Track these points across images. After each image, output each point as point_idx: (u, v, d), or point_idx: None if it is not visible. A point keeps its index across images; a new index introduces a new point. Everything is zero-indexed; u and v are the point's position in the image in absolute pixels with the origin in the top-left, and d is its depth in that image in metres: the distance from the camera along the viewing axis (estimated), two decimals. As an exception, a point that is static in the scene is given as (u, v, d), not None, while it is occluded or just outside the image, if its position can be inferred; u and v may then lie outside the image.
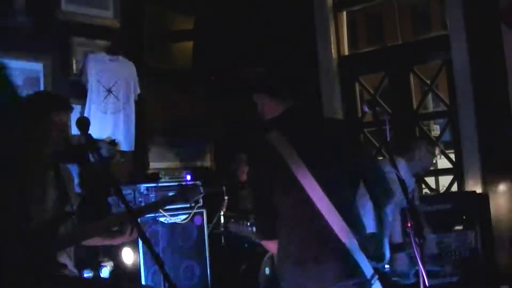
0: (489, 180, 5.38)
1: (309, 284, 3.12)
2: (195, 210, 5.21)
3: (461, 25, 5.54)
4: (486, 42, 5.43)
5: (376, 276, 3.10)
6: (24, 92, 5.09)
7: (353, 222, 3.12)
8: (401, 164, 4.61)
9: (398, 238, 4.48)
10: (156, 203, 4.22)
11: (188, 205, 4.01)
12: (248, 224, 5.29)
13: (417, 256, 2.75)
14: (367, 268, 3.08)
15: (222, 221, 5.49)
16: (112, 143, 5.41)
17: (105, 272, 4.85)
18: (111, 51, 5.62)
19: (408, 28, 10.60)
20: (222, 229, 5.46)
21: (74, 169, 5.16)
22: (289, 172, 3.11)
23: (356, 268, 3.07)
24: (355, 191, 3.23)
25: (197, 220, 5.30)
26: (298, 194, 3.10)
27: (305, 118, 3.30)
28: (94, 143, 3.12)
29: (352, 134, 3.32)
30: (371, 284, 3.07)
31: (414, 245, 2.78)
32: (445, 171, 6.33)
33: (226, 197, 5.47)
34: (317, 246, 3.11)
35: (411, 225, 2.88)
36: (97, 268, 4.83)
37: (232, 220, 5.43)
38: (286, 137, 3.19)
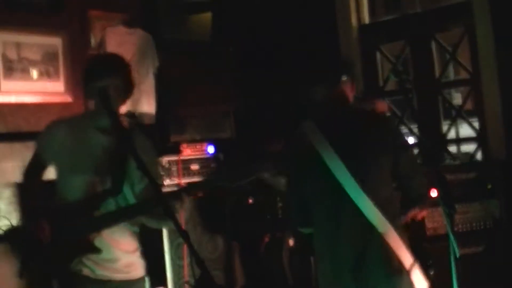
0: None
1: (347, 277, 3.11)
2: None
3: (484, -10, 5.44)
4: (509, 7, 5.31)
5: (416, 265, 3.07)
6: (43, 67, 5.08)
7: (389, 213, 3.09)
8: None
9: None
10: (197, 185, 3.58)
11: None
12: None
13: (448, 227, 2.71)
14: (406, 258, 3.06)
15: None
16: (132, 116, 5.38)
17: None
18: (129, 23, 5.58)
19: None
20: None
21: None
22: (323, 165, 3.09)
23: (395, 259, 3.05)
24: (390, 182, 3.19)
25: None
26: (333, 187, 3.08)
27: (340, 111, 3.26)
28: (116, 115, 3.07)
29: (393, 133, 3.25)
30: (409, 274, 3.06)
31: (444, 215, 2.75)
32: (468, 140, 6.27)
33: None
34: (352, 237, 3.10)
35: (439, 194, 2.84)
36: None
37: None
38: (322, 129, 3.17)
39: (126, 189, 3.32)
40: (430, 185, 3.42)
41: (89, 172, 3.28)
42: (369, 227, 3.05)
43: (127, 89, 3.40)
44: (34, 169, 3.45)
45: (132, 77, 3.42)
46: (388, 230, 3.03)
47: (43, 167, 3.45)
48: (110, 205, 3.28)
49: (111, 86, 3.25)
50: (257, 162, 3.20)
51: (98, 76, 3.27)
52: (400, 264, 3.06)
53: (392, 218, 3.07)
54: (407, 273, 3.07)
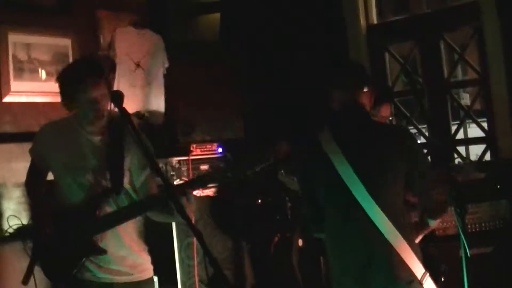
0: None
1: (350, 282, 3.11)
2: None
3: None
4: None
5: (427, 275, 3.06)
6: (53, 68, 5.10)
7: (400, 224, 3.07)
8: None
9: None
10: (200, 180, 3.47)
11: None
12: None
13: (459, 227, 2.71)
14: (418, 268, 3.05)
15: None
16: (142, 117, 5.40)
17: None
18: (139, 24, 5.59)
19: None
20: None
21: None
22: (335, 173, 3.08)
23: (405, 269, 3.04)
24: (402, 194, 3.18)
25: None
26: (344, 195, 3.08)
27: (358, 119, 3.25)
28: (129, 117, 3.08)
29: (407, 145, 3.24)
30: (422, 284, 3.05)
31: (455, 215, 2.75)
32: (476, 140, 6.26)
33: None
34: (364, 249, 3.09)
35: (450, 195, 2.84)
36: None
37: (282, 171, 5.32)
38: (336, 136, 3.16)
39: (127, 186, 3.34)
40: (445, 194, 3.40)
41: (83, 172, 3.29)
42: (378, 236, 3.05)
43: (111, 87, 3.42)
44: (34, 178, 3.49)
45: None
46: (398, 240, 3.02)
47: (42, 175, 3.49)
48: (112, 204, 3.29)
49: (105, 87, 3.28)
50: (260, 154, 3.22)
51: (90, 81, 3.21)
52: (410, 274, 3.05)
53: (403, 229, 3.06)
54: (419, 282, 3.06)
